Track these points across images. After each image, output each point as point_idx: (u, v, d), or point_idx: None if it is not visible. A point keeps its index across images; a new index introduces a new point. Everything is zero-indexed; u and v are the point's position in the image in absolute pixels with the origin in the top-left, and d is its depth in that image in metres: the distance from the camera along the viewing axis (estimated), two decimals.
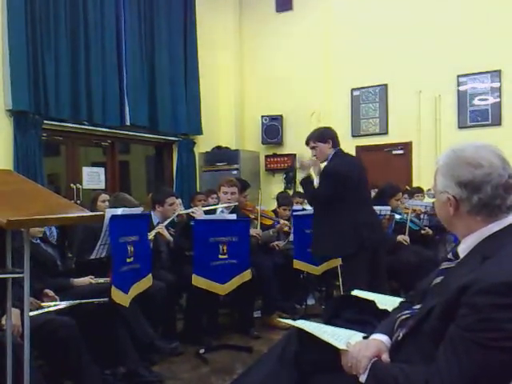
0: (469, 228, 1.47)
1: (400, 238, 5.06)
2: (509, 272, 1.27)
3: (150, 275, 3.61)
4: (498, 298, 1.24)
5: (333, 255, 4.20)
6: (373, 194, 4.99)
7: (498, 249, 1.37)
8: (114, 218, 3.23)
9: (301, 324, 1.76)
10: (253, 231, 4.57)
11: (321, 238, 3.90)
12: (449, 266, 1.54)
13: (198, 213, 4.33)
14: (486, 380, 1.25)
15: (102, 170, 6.18)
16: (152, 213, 4.44)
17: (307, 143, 4.01)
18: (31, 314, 2.45)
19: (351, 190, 3.75)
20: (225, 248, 3.93)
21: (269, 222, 5.20)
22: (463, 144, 1.51)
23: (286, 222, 5.17)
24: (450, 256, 1.57)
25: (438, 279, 1.54)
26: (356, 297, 2.08)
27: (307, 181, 3.95)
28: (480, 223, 1.44)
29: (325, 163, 3.94)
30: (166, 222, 4.37)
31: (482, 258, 1.37)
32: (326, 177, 3.82)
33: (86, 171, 5.97)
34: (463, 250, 1.49)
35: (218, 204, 4.72)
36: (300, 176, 4.08)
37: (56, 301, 3.13)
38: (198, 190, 6.96)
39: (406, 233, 5.14)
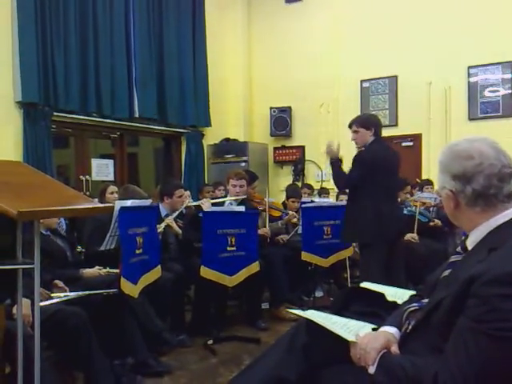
0: (472, 221, 1.48)
1: (409, 236, 5.03)
2: None
3: (159, 266, 3.63)
4: (506, 289, 1.24)
5: (355, 241, 4.37)
6: None
7: (505, 240, 1.37)
8: (123, 209, 3.24)
9: (310, 315, 1.76)
10: (261, 230, 4.56)
11: (347, 224, 4.02)
12: (457, 259, 1.55)
13: (206, 204, 4.34)
14: (495, 370, 1.25)
15: (110, 162, 6.20)
16: (160, 205, 4.45)
17: (350, 126, 4.05)
18: (41, 304, 2.47)
19: (379, 178, 3.77)
20: (233, 240, 3.94)
21: (277, 214, 5.19)
22: (459, 140, 1.53)
23: (294, 213, 5.16)
24: (458, 249, 1.57)
25: (447, 272, 1.54)
26: (365, 289, 2.08)
27: (337, 163, 4.01)
28: (480, 214, 1.45)
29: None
30: (175, 214, 4.38)
31: (489, 249, 1.37)
32: (359, 162, 3.86)
33: (95, 163, 6.00)
34: (471, 243, 1.50)
35: (225, 196, 4.72)
36: (327, 159, 4.17)
37: (66, 292, 3.16)
38: (207, 182, 6.96)
39: (415, 227, 5.10)
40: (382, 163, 3.80)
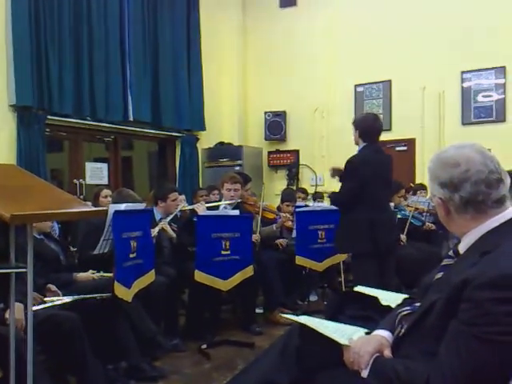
0: (464, 227, 1.48)
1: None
2: (508, 266, 1.28)
3: (153, 271, 3.61)
4: (498, 292, 1.24)
5: (347, 252, 4.21)
6: None
7: (497, 244, 1.38)
8: (117, 213, 3.24)
9: (303, 320, 1.76)
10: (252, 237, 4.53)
11: (339, 233, 3.90)
12: (449, 262, 1.55)
13: (201, 208, 4.33)
14: (487, 374, 1.26)
15: (105, 166, 6.19)
16: (154, 208, 4.44)
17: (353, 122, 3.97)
18: (34, 308, 2.46)
19: (369, 187, 3.65)
20: (227, 244, 3.94)
21: (271, 216, 5.19)
22: (447, 147, 1.54)
23: (288, 215, 5.14)
24: (450, 253, 1.58)
25: (439, 275, 1.55)
26: (359, 293, 2.08)
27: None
28: (471, 221, 1.45)
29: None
30: (169, 218, 4.37)
31: (481, 253, 1.37)
32: (348, 171, 3.74)
33: (89, 167, 5.98)
34: (463, 247, 1.50)
35: (220, 200, 4.71)
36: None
37: (59, 296, 3.14)
38: (201, 186, 6.95)
39: (405, 230, 5.10)
40: (370, 170, 3.67)
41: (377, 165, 3.76)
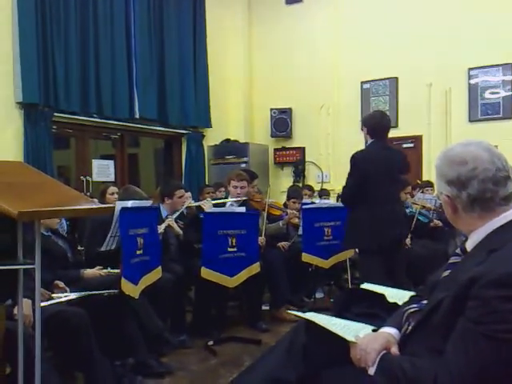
0: (471, 224, 1.48)
1: None
2: None
3: (160, 267, 3.62)
4: (505, 290, 1.24)
5: (353, 247, 4.31)
6: None
7: (505, 241, 1.37)
8: (124, 210, 3.25)
9: (310, 316, 1.76)
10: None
11: (347, 230, 3.95)
12: (456, 260, 1.55)
13: (207, 205, 4.34)
14: (493, 372, 1.25)
15: (111, 163, 6.20)
16: (161, 205, 4.45)
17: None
18: (42, 304, 2.47)
19: (372, 182, 3.67)
20: (234, 241, 3.94)
21: (277, 213, 5.19)
22: (454, 144, 1.54)
23: (294, 211, 5.14)
24: (458, 251, 1.58)
25: (446, 273, 1.54)
26: (366, 290, 2.08)
27: None
28: (478, 219, 1.45)
29: None
30: (176, 215, 4.38)
31: (488, 251, 1.37)
32: (351, 166, 3.78)
33: (96, 164, 6.00)
34: (470, 244, 1.50)
35: (226, 197, 4.71)
36: None
37: (66, 292, 3.16)
38: (207, 183, 6.96)
39: (412, 227, 5.07)
40: (372, 167, 3.69)
41: (381, 161, 3.77)
